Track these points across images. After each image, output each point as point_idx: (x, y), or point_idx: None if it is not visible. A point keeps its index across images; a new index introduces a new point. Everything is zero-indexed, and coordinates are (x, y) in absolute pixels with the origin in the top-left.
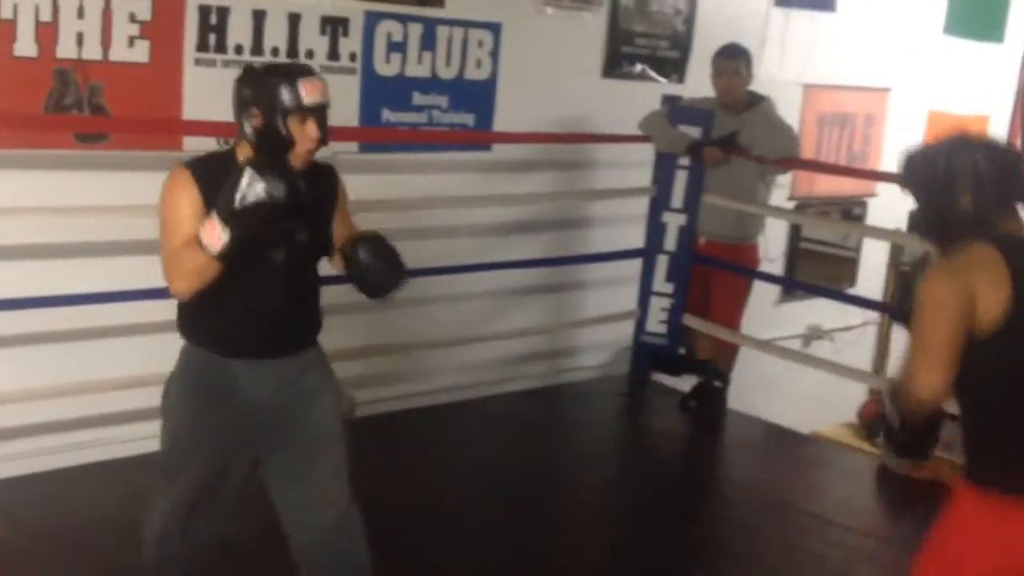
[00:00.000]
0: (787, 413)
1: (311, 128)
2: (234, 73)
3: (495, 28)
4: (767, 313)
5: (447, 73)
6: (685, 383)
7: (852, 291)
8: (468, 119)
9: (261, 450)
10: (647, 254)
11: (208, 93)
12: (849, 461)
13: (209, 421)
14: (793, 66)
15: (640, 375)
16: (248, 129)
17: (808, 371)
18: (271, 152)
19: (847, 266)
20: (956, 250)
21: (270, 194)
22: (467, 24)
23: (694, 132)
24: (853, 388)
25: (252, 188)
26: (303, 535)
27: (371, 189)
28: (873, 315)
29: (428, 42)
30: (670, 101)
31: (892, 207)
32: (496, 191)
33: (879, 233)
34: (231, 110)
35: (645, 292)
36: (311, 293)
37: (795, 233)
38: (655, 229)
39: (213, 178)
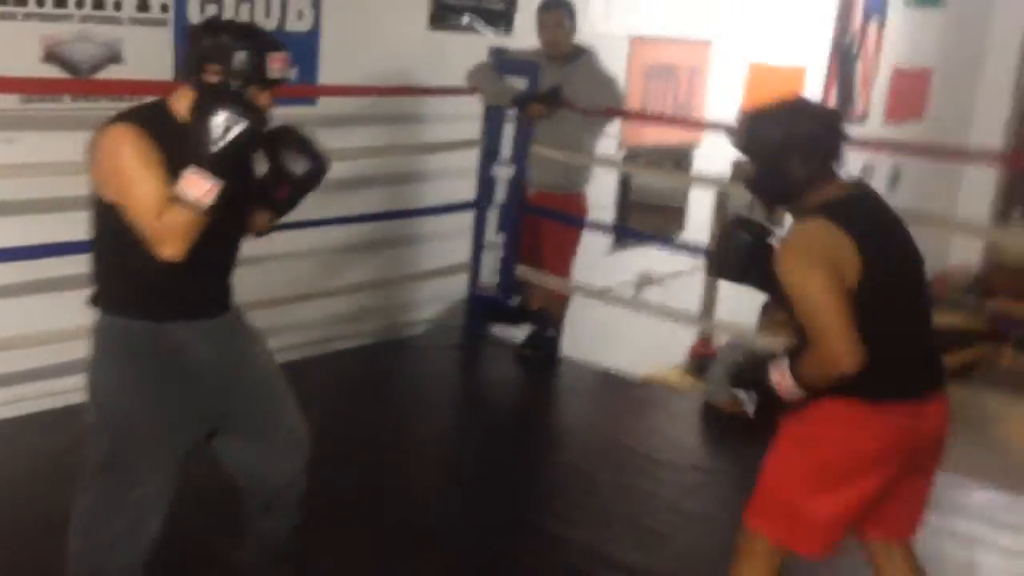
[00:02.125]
0: (622, 359)
1: (266, 99)
2: (19, 26)
3: None
4: (599, 262)
5: (267, 25)
6: (520, 333)
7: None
8: (291, 73)
9: (215, 417)
10: (478, 206)
11: None
12: (677, 402)
13: (164, 397)
14: (619, 19)
15: (475, 327)
16: (200, 82)
17: (641, 317)
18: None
19: (675, 215)
20: (796, 225)
21: (247, 125)
22: None
23: (520, 83)
24: (684, 332)
25: (228, 125)
26: (273, 482)
27: None
28: (701, 261)
29: None
30: (497, 53)
31: (716, 157)
32: (323, 146)
33: (704, 182)
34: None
35: (477, 244)
36: (238, 248)
37: (625, 184)
38: (485, 181)
39: (157, 132)
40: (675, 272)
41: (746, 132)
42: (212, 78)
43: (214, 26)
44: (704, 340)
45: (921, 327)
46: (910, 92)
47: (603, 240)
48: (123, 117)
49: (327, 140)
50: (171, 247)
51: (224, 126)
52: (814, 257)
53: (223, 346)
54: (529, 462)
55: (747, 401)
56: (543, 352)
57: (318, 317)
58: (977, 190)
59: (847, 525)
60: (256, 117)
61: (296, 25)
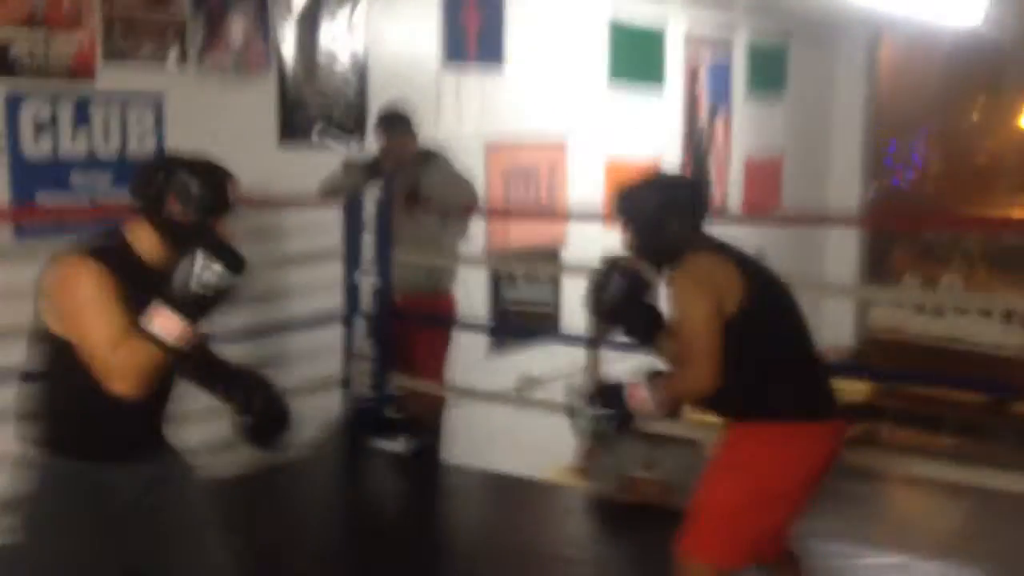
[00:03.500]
0: (509, 463)
1: (226, 227)
2: None
3: (156, 100)
4: (478, 367)
5: (107, 150)
6: (400, 443)
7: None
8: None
9: (136, 559)
10: (346, 317)
11: None
12: (565, 498)
13: (88, 541)
14: (472, 123)
15: (354, 442)
16: (160, 215)
17: (526, 419)
18: (181, 240)
19: (548, 320)
20: (677, 263)
21: (229, 271)
22: (124, 97)
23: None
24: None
25: (209, 268)
26: None
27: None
28: (580, 360)
29: (82, 119)
30: (346, 163)
31: (584, 254)
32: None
33: (576, 271)
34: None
35: (348, 356)
36: (174, 386)
37: (496, 293)
38: (350, 291)
39: (117, 265)
40: (555, 373)
41: (626, 202)
42: (173, 211)
43: (169, 160)
44: None
45: (812, 350)
46: (764, 180)
47: (479, 345)
48: (80, 249)
49: None
50: (127, 383)
51: (204, 270)
52: (703, 287)
53: (155, 486)
54: (419, 572)
55: (589, 422)
56: (426, 460)
57: (187, 447)
58: (839, 269)
59: (770, 540)
60: (235, 262)
61: (138, 148)
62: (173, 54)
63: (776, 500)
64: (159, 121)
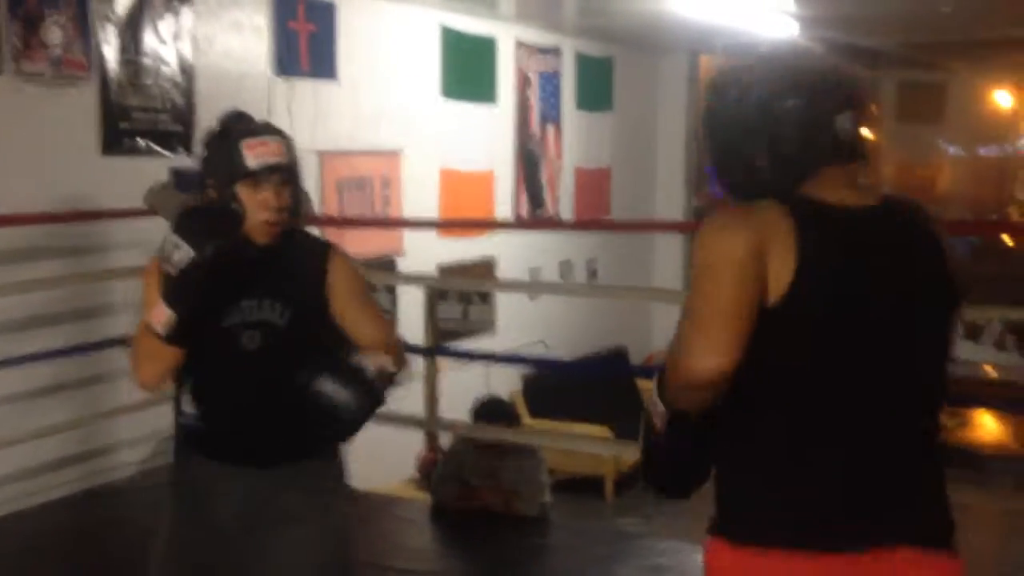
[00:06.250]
0: (351, 476)
1: (266, 195)
2: None
3: None
4: None
5: None
6: None
7: None
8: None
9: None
10: None
11: None
12: (404, 509)
13: (182, 538)
14: (304, 134)
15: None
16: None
17: (366, 431)
18: (226, 229)
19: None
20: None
21: (197, 254)
22: None
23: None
24: (412, 443)
25: (177, 252)
26: None
27: None
28: (418, 367)
29: None
30: (176, 172)
31: (421, 263)
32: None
33: (414, 279)
34: None
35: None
36: (303, 392)
37: None
38: None
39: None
40: None
41: (707, 98)
42: (212, 195)
43: (205, 138)
44: (431, 447)
45: (900, 423)
46: (593, 191)
47: None
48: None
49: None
50: (137, 373)
51: (173, 251)
52: (741, 224)
53: (248, 508)
54: None
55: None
56: None
57: (10, 470)
58: (667, 277)
59: None
60: (216, 244)
61: None
62: None
63: None
64: None
